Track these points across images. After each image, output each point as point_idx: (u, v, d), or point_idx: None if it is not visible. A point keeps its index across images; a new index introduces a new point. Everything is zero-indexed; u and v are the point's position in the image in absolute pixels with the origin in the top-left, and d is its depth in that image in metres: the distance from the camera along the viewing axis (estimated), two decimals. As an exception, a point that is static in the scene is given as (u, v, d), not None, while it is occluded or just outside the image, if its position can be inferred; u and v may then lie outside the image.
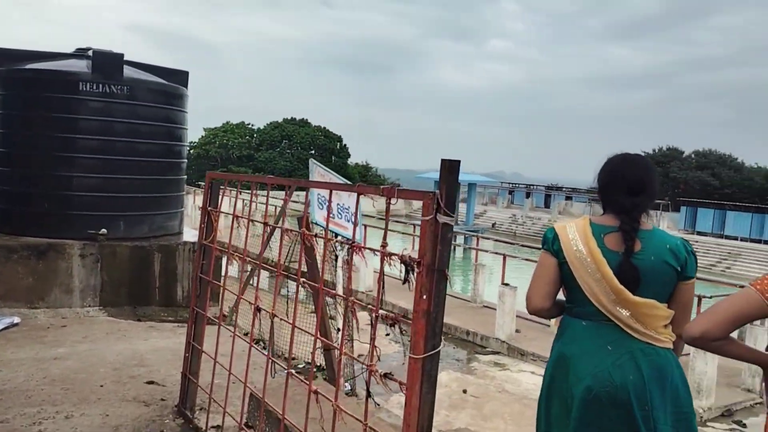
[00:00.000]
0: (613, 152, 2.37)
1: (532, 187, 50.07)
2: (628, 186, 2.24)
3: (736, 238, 30.62)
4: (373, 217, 21.56)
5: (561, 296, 2.36)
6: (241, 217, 3.30)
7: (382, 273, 2.23)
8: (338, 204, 4.18)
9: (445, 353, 11.27)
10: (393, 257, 2.09)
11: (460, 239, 23.54)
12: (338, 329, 4.55)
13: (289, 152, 45.58)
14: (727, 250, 28.60)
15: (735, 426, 7.99)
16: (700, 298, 9.49)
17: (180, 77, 7.39)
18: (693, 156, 46.45)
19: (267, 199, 2.99)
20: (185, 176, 7.67)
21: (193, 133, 58.49)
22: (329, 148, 47.32)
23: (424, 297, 1.96)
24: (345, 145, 49.07)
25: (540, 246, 2.36)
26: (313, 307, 5.02)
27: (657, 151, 47.86)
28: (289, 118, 48.80)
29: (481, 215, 39.44)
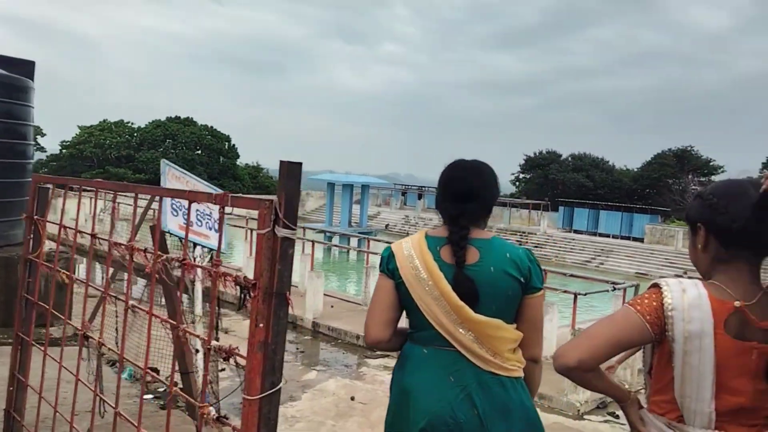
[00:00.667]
0: (455, 157, 2.18)
1: (424, 188, 51.14)
2: (456, 192, 2.05)
3: (608, 236, 32.88)
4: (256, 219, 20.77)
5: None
6: (70, 228, 2.81)
7: (214, 297, 1.87)
8: (198, 210, 3.73)
9: (334, 359, 11.00)
10: (227, 278, 1.74)
11: (354, 242, 23.40)
12: (196, 350, 4.11)
13: (173, 152, 43.37)
14: (600, 246, 30.56)
15: (609, 417, 8.39)
16: (576, 295, 9.88)
17: (24, 68, 6.52)
18: (570, 159, 49.43)
19: (94, 207, 2.53)
20: (30, 179, 6.79)
21: (66, 131, 54.25)
22: (217, 148, 45.61)
23: (261, 326, 1.62)
24: (234, 145, 47.50)
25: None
26: (195, 315, 4.53)
27: (537, 154, 50.48)
28: (173, 116, 46.49)
29: (375, 217, 39.62)
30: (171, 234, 3.82)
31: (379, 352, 11.08)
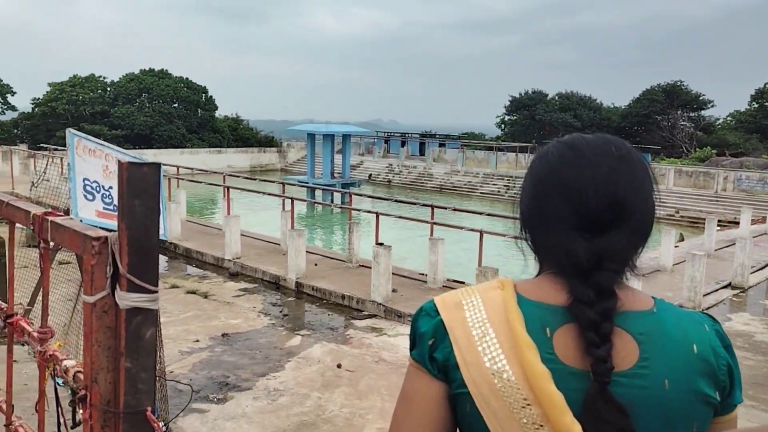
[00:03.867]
0: (552, 141, 1.06)
1: (407, 135, 50.09)
2: (581, 211, 0.95)
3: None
4: (239, 175, 19.88)
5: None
6: None
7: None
8: (98, 185, 2.89)
9: (319, 322, 10.42)
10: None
11: (337, 197, 22.55)
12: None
13: (149, 106, 41.77)
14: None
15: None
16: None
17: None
18: (556, 98, 48.40)
19: None
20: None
21: (37, 88, 52.14)
22: (193, 100, 44.04)
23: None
24: (211, 96, 45.91)
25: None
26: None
27: (523, 94, 49.34)
28: (147, 69, 44.61)
29: (357, 166, 38.75)
30: (85, 223, 3.07)
31: (365, 313, 10.53)
